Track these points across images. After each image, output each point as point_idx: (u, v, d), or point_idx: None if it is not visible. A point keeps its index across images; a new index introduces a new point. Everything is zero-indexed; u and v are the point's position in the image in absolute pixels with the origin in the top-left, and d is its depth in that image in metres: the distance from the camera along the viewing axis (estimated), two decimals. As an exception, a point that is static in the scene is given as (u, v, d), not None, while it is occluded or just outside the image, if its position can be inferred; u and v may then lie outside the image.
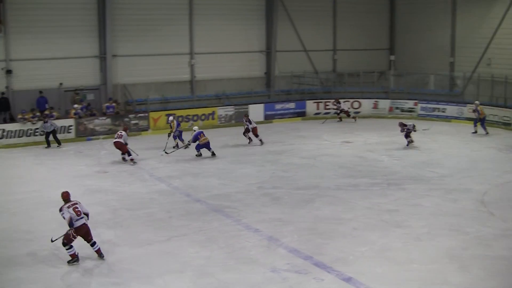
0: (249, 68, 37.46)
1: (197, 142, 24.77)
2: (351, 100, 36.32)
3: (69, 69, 31.45)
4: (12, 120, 29.31)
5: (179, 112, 32.43)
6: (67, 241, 13.07)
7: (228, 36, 36.15)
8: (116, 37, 32.42)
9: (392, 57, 41.04)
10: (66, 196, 13.37)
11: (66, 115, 30.46)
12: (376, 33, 41.69)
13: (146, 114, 31.72)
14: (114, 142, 24.27)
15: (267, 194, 18.81)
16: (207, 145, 24.85)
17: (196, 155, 24.93)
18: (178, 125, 26.99)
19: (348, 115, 34.40)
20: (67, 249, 13.09)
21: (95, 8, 31.91)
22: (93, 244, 13.37)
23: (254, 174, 21.81)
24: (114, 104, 31.42)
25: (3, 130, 28.08)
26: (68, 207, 13.10)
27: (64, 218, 13.12)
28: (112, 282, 12.11)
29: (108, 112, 30.97)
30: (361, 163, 23.32)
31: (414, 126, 26.48)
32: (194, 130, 25.21)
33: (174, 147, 26.44)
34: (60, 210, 13.19)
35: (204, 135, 24.89)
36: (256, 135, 27.50)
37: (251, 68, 37.62)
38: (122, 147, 24.13)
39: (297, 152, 25.72)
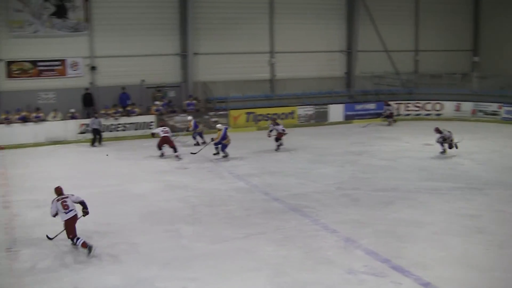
0: (329, 67, 37.38)
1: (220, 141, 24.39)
2: (433, 102, 35.79)
3: (151, 66, 32.19)
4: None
5: (258, 111, 32.67)
6: (72, 234, 13.38)
7: (308, 35, 36.17)
8: (197, 35, 32.91)
9: (476, 59, 40.22)
10: (58, 191, 13.80)
11: (147, 112, 31.11)
12: (459, 34, 41.05)
13: (226, 112, 32.03)
14: (164, 137, 24.61)
15: (346, 195, 18.62)
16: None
17: (224, 155, 24.61)
18: (196, 127, 27.52)
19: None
20: (77, 241, 13.35)
21: (177, 6, 32.54)
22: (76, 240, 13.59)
23: (333, 174, 21.63)
24: (194, 101, 31.91)
25: (87, 125, 28.85)
26: (57, 201, 13.49)
27: (51, 209, 13.64)
28: (190, 277, 12.21)
29: (189, 109, 31.44)
30: (442, 166, 22.82)
31: (447, 138, 24.65)
32: (220, 129, 24.51)
33: (202, 143, 26.92)
34: (52, 202, 13.63)
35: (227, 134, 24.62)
36: (278, 139, 26.19)
37: (331, 67, 37.53)
38: (170, 142, 24.54)
39: (377, 153, 25.42)
